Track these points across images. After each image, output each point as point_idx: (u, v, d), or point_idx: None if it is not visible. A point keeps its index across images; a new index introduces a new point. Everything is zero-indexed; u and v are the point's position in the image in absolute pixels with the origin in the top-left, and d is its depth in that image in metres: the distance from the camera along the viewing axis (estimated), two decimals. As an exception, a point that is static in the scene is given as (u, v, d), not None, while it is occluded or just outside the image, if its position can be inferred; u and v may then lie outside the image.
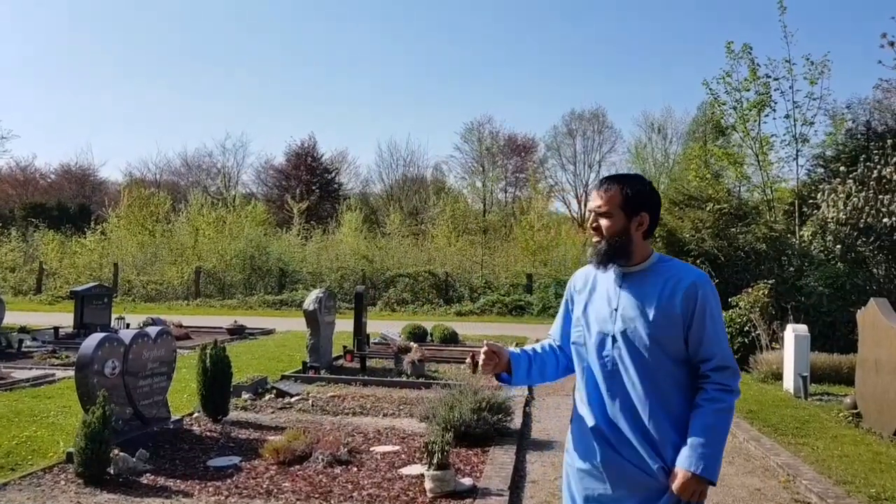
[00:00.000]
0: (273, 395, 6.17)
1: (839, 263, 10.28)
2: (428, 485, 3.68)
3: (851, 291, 9.58)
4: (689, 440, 1.70)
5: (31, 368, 7.67)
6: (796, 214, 11.97)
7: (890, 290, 9.58)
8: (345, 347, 8.58)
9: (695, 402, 1.74)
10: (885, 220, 9.95)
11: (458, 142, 39.15)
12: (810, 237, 11.21)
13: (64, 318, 12.06)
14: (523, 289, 19.79)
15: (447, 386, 5.90)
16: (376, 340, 10.12)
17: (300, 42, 58.70)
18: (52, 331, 10.38)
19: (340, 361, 8.21)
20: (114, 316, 11.49)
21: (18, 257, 22.90)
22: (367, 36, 56.95)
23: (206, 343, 5.39)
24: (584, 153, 38.44)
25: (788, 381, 7.23)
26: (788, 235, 11.81)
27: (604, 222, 1.80)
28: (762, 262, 11.17)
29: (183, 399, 5.99)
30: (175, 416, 5.07)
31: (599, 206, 1.82)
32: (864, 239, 10.43)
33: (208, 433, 4.88)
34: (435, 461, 3.67)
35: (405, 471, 4.07)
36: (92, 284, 12.01)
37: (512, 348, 1.97)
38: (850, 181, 10.56)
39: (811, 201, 11.59)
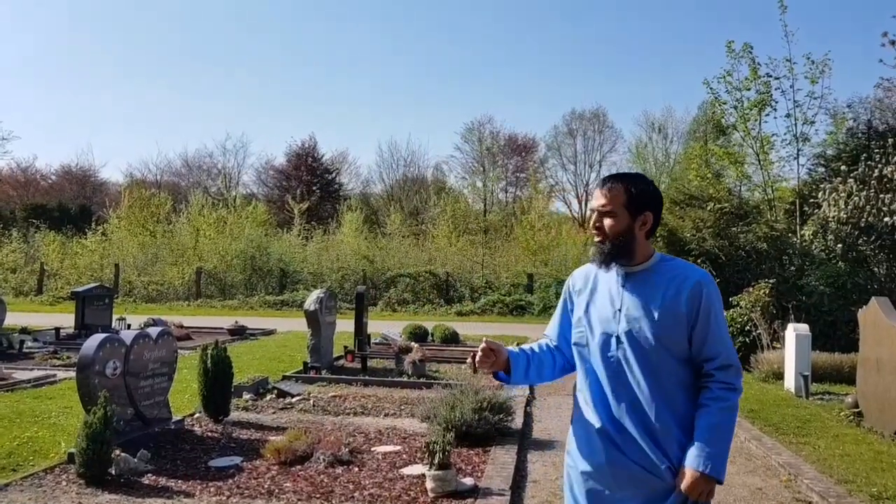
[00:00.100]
0: (274, 396, 6.18)
1: (840, 262, 10.28)
2: (429, 485, 3.68)
3: (852, 290, 9.57)
4: (696, 439, 1.69)
5: (32, 369, 7.67)
6: (797, 214, 11.97)
7: (891, 288, 9.57)
8: (346, 348, 8.58)
9: (699, 402, 1.74)
10: (886, 219, 9.95)
11: (459, 142, 39.17)
12: (811, 236, 11.21)
13: (65, 319, 12.08)
14: (524, 289, 19.79)
15: (448, 386, 5.90)
16: (377, 341, 10.12)
17: (300, 42, 58.79)
18: (54, 331, 10.39)
19: (341, 362, 8.21)
20: (115, 317, 11.50)
21: (19, 258, 22.91)
22: (367, 36, 57.01)
23: (207, 343, 5.39)
24: (584, 153, 38.46)
25: (789, 381, 7.22)
26: (789, 235, 11.80)
27: (607, 221, 1.79)
28: (763, 262, 11.16)
29: (184, 399, 5.99)
30: (176, 417, 5.08)
31: (604, 205, 1.79)
32: (865, 238, 10.42)
33: (209, 433, 4.88)
34: (436, 461, 3.67)
35: (406, 471, 4.07)
36: (93, 285, 12.02)
37: (511, 347, 1.94)
38: (851, 180, 10.55)
39: (812, 200, 11.58)
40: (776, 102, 12.38)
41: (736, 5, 50.14)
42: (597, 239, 1.82)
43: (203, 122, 57.57)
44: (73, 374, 5.38)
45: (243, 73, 56.46)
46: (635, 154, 35.62)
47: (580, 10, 55.60)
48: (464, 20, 56.69)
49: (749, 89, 12.53)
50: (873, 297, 5.91)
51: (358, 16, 56.55)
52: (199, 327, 12.32)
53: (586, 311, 1.84)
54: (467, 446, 4.57)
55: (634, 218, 1.78)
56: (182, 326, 11.58)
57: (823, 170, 12.95)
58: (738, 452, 4.88)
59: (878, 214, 10.09)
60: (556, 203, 35.31)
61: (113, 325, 11.07)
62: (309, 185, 35.20)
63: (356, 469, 4.09)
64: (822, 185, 11.40)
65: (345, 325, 9.44)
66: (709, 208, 12.26)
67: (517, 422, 5.24)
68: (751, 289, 9.29)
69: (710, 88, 12.90)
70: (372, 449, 4.54)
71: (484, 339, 1.92)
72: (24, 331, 10.44)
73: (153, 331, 4.97)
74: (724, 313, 8.96)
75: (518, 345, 2.06)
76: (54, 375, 7.26)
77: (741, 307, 9.13)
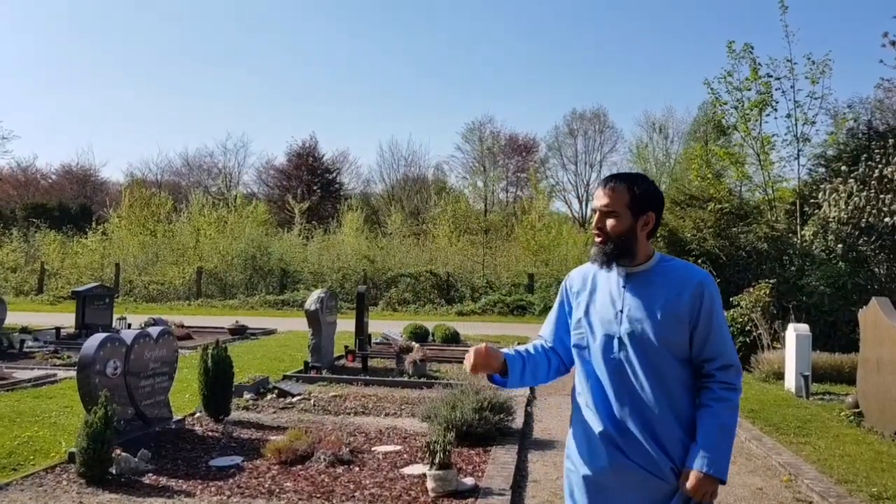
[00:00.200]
0: (275, 395, 6.18)
1: (840, 263, 10.27)
2: (430, 484, 3.68)
3: (853, 291, 9.57)
4: (700, 440, 1.69)
5: (32, 369, 7.68)
6: (798, 214, 11.96)
7: (891, 289, 9.57)
8: (346, 347, 8.58)
9: (700, 402, 1.73)
10: (886, 219, 9.95)
11: (460, 141, 39.17)
12: (812, 237, 11.20)
13: (65, 319, 12.08)
14: (525, 288, 19.79)
15: (449, 386, 5.91)
16: (378, 340, 10.13)
17: (301, 42, 58.79)
18: (54, 331, 10.40)
19: (342, 361, 8.22)
20: (115, 316, 11.51)
21: (20, 258, 22.93)
22: (367, 35, 57.02)
23: (208, 343, 5.39)
24: (585, 153, 38.46)
25: (790, 381, 7.22)
26: (790, 235, 11.80)
27: (610, 222, 1.77)
28: (763, 262, 11.16)
29: (185, 399, 5.99)
30: (177, 416, 5.08)
31: (606, 205, 1.77)
32: (865, 238, 10.42)
33: (210, 433, 4.88)
34: (437, 461, 3.67)
35: (407, 470, 4.08)
36: (93, 285, 12.03)
37: (506, 350, 1.91)
38: (852, 180, 10.55)
39: (812, 201, 11.58)
40: (777, 103, 12.38)
41: (736, 5, 50.14)
42: (598, 239, 1.79)
43: (204, 121, 57.65)
44: (73, 373, 5.38)
45: (244, 73, 56.52)
46: (636, 154, 35.63)
47: (581, 10, 55.61)
48: (464, 20, 56.72)
49: (749, 89, 12.54)
50: (873, 298, 5.90)
51: (358, 15, 56.59)
52: (199, 327, 12.32)
53: (586, 312, 1.82)
54: (468, 446, 4.57)
55: (637, 218, 1.77)
56: (183, 326, 11.58)
57: (824, 170, 12.94)
58: (739, 452, 4.88)
59: (879, 215, 10.08)
60: (556, 203, 35.37)
61: (113, 324, 11.07)
62: (309, 185, 35.22)
63: (357, 469, 4.09)
64: (822, 186, 11.40)
65: (345, 325, 9.44)
66: (709, 208, 12.26)
67: (518, 421, 5.24)
68: (751, 289, 9.29)
69: (711, 89, 12.91)
70: (373, 449, 4.54)
71: (486, 344, 1.89)
72: (24, 330, 10.44)
73: (154, 330, 4.97)
74: (725, 313, 8.93)
75: (519, 344, 2.04)
76: (55, 375, 7.27)
77: (742, 307, 9.13)
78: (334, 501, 3.57)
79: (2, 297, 11.16)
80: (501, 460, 4.30)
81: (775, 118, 12.72)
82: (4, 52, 54.49)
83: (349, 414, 5.63)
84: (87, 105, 56.02)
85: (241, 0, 56.73)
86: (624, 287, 1.78)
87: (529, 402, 6.35)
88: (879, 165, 10.27)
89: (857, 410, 5.85)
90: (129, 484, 3.76)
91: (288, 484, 3.81)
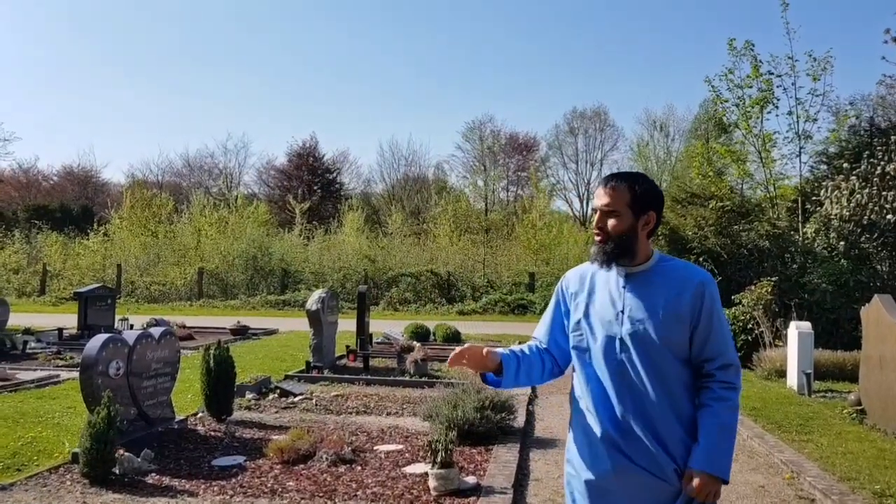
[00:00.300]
0: (277, 395, 6.19)
1: (843, 260, 10.26)
2: (432, 483, 3.68)
3: (855, 288, 9.56)
4: (701, 440, 1.68)
5: (35, 370, 7.70)
6: (799, 211, 11.95)
7: (894, 286, 9.54)
8: (348, 347, 8.59)
9: (701, 402, 1.72)
10: (888, 216, 9.93)
11: (460, 141, 39.15)
12: (813, 234, 11.19)
13: (68, 320, 12.10)
14: (526, 287, 19.79)
15: (450, 385, 5.91)
16: (379, 340, 10.13)
17: (301, 42, 58.80)
18: (57, 332, 10.42)
19: (343, 361, 8.22)
20: (117, 317, 11.52)
21: (22, 259, 22.97)
22: (367, 35, 57.01)
23: (210, 343, 5.40)
24: (585, 151, 38.42)
25: (792, 379, 7.21)
26: (791, 232, 11.79)
27: (611, 221, 1.75)
28: (765, 260, 11.15)
29: (187, 399, 6.00)
30: (179, 416, 5.09)
31: (607, 205, 1.76)
32: (867, 235, 10.40)
33: (212, 433, 4.89)
34: (439, 460, 3.68)
35: (409, 469, 4.08)
36: (95, 286, 12.05)
37: (500, 349, 1.88)
38: (854, 178, 10.53)
39: (814, 198, 11.56)
40: (778, 100, 12.36)
41: (737, 5, 50.03)
42: (598, 238, 1.78)
43: (204, 122, 57.70)
44: (76, 374, 5.39)
45: (244, 73, 56.56)
46: (637, 152, 35.58)
47: (581, 9, 55.56)
48: (464, 19, 56.68)
49: (751, 87, 12.52)
50: (876, 295, 5.90)
51: (358, 16, 56.59)
52: (201, 327, 12.34)
53: (586, 314, 1.80)
54: (470, 445, 4.57)
55: (638, 218, 1.75)
56: (184, 326, 11.60)
57: (826, 167, 12.92)
58: (741, 450, 4.88)
59: (881, 212, 10.07)
60: (557, 202, 35.34)
61: (116, 325, 11.09)
62: (310, 185, 35.24)
63: (359, 468, 4.10)
64: (824, 183, 11.37)
65: (347, 325, 9.45)
66: (711, 206, 12.24)
67: (519, 420, 5.25)
68: (753, 287, 9.28)
69: (712, 86, 12.89)
70: (374, 448, 4.54)
71: (486, 348, 1.84)
72: (27, 331, 10.47)
73: (156, 331, 4.98)
74: (727, 311, 8.86)
75: (520, 343, 2.02)
76: (58, 376, 7.28)
77: (743, 305, 9.12)
78: (337, 500, 3.58)
79: (4, 298, 11.19)
80: (503, 459, 4.31)
81: (777, 115, 12.69)
82: (5, 52, 54.63)
83: (351, 413, 5.63)
84: (88, 106, 56.15)
85: (241, 0, 56.79)
86: (624, 287, 1.76)
87: (531, 401, 6.35)
88: (882, 162, 10.25)
89: (859, 408, 5.85)
90: (132, 484, 3.77)
91: (290, 483, 3.82)
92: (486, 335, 11.79)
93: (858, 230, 10.42)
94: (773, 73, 12.26)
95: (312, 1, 57.89)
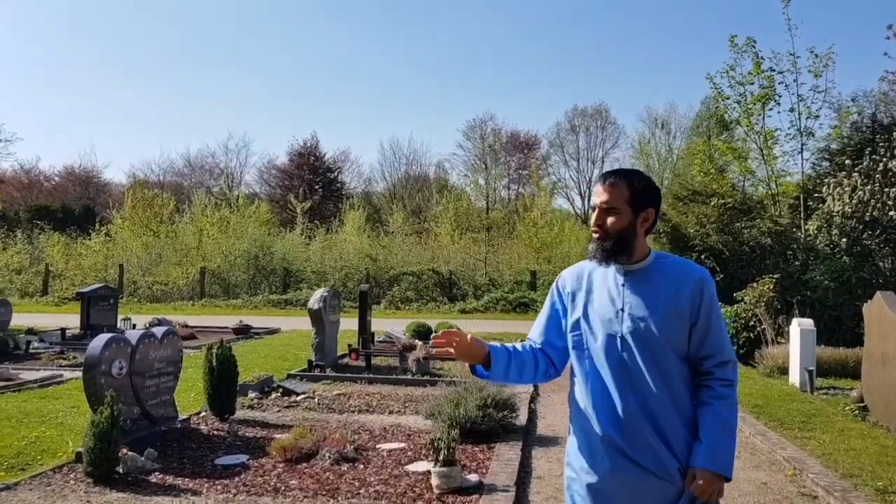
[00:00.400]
0: (279, 394, 6.20)
1: (845, 257, 10.24)
2: (434, 481, 3.69)
3: (857, 285, 9.55)
4: (703, 438, 1.67)
5: (38, 369, 7.72)
6: (801, 208, 11.92)
7: (896, 283, 9.53)
8: (350, 346, 8.61)
9: (701, 400, 1.71)
10: (891, 213, 9.92)
11: (461, 139, 39.19)
12: (816, 231, 11.17)
13: (70, 320, 12.13)
14: (527, 286, 19.79)
15: (452, 383, 5.92)
16: (381, 339, 10.14)
17: (301, 42, 58.79)
18: (59, 332, 10.45)
19: (346, 360, 8.24)
20: (120, 317, 11.56)
21: (24, 259, 23.03)
22: (367, 35, 56.96)
23: (212, 343, 5.41)
24: (587, 149, 38.41)
25: (794, 376, 7.21)
26: (794, 230, 11.77)
27: (610, 219, 1.74)
28: (767, 257, 11.14)
29: (190, 398, 6.02)
30: (182, 416, 5.11)
31: (606, 202, 1.74)
32: (869, 232, 10.39)
33: (215, 432, 4.90)
34: (441, 458, 3.68)
35: (411, 467, 4.09)
36: (98, 286, 12.08)
37: (492, 343, 1.85)
38: (856, 174, 10.51)
39: (816, 195, 11.54)
40: (780, 97, 12.33)
41: (737, 5, 49.86)
42: (596, 236, 1.76)
43: (205, 122, 57.75)
44: (79, 374, 5.42)
45: (245, 73, 56.58)
46: (638, 150, 35.53)
47: (581, 9, 55.45)
48: (465, 18, 56.61)
49: (752, 84, 12.48)
50: (878, 292, 5.89)
51: (358, 15, 56.54)
52: (203, 327, 12.36)
53: (584, 312, 1.77)
54: (472, 443, 4.58)
55: (637, 214, 1.74)
56: (187, 326, 11.63)
57: (828, 164, 12.89)
58: (743, 447, 4.88)
59: (883, 208, 10.05)
60: (558, 200, 35.32)
61: (118, 325, 11.12)
62: (311, 184, 35.25)
63: (361, 466, 4.11)
64: (826, 180, 11.35)
65: (349, 324, 9.47)
66: (712, 204, 12.23)
67: (521, 418, 5.25)
68: (755, 284, 9.27)
69: (713, 83, 12.86)
70: (377, 446, 4.55)
71: (469, 334, 1.82)
72: (30, 331, 10.50)
73: (158, 330, 4.99)
74: (729, 308, 8.84)
75: (521, 342, 2.01)
76: (61, 375, 7.30)
77: (745, 302, 9.11)
78: (339, 499, 3.59)
79: (7, 298, 11.22)
80: (505, 457, 4.31)
81: (778, 112, 12.66)
82: (5, 53, 54.70)
83: (353, 412, 5.64)
84: (89, 106, 56.23)
85: (242, 0, 56.76)
86: (623, 285, 1.75)
87: (533, 399, 6.35)
88: (884, 159, 10.23)
89: (861, 405, 5.84)
90: (135, 483, 3.79)
91: (293, 482, 3.83)
92: (488, 333, 11.80)
93: (861, 227, 10.40)
94: (774, 70, 12.23)
95: (313, 1, 57.89)
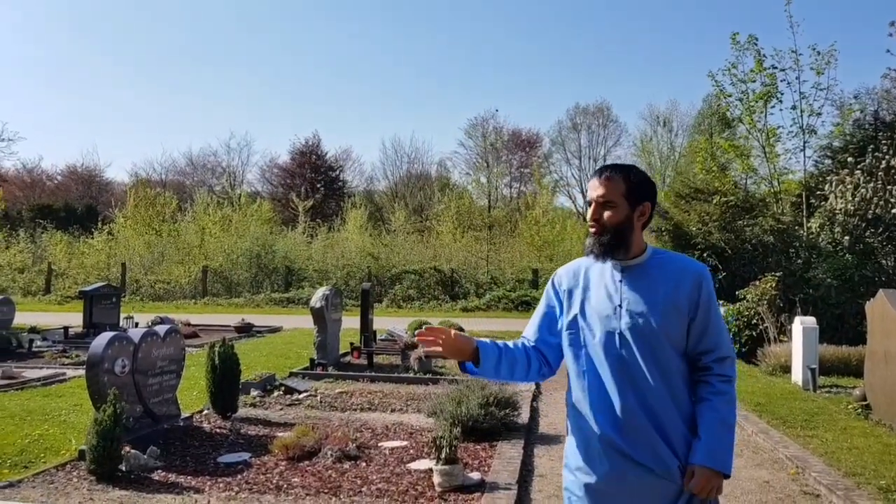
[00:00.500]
0: (281, 392, 6.21)
1: (847, 255, 10.22)
2: (436, 479, 3.69)
3: (860, 283, 9.53)
4: (702, 435, 1.65)
5: (41, 368, 7.74)
6: (804, 206, 11.90)
7: (899, 281, 9.51)
8: (352, 344, 8.62)
9: (700, 396, 1.70)
10: (893, 210, 9.90)
11: (463, 137, 39.13)
12: (818, 229, 11.15)
13: (73, 318, 12.17)
14: (529, 284, 19.79)
15: (454, 381, 5.92)
16: (383, 337, 10.15)
17: (303, 41, 58.77)
18: (62, 330, 10.48)
19: (348, 358, 8.25)
20: (122, 315, 11.58)
21: (27, 258, 23.09)
22: (370, 33, 56.92)
23: (215, 341, 5.42)
24: (588, 147, 38.36)
25: (797, 374, 7.20)
26: (796, 227, 11.75)
27: (607, 213, 1.72)
28: (769, 255, 11.12)
29: (192, 396, 6.03)
30: (185, 414, 5.12)
31: (603, 195, 1.72)
32: (872, 230, 10.36)
33: (218, 430, 4.91)
34: (443, 456, 3.69)
35: (414, 465, 4.09)
36: (100, 284, 12.10)
37: (482, 339, 1.82)
38: (859, 172, 10.49)
39: (819, 193, 11.51)
40: (782, 94, 12.31)
41: (739, 5, 49.67)
42: (593, 231, 1.74)
43: (207, 120, 57.75)
44: (82, 372, 5.43)
45: (246, 72, 56.59)
46: (640, 148, 35.49)
47: (583, 7, 55.32)
48: (467, 17, 56.53)
49: (754, 81, 12.45)
50: (881, 290, 5.87)
51: (358, 15, 56.49)
52: (206, 325, 12.38)
53: (582, 310, 1.75)
54: (474, 441, 4.58)
55: (633, 208, 1.72)
56: (189, 324, 11.65)
57: (830, 162, 12.86)
58: (746, 445, 4.87)
59: (886, 206, 10.03)
60: (560, 198, 35.28)
61: (121, 323, 11.15)
62: (313, 183, 35.27)
63: (364, 464, 4.12)
64: (828, 178, 11.33)
65: (350, 322, 9.48)
66: (714, 202, 12.21)
67: (523, 417, 5.25)
68: (757, 282, 9.26)
69: (715, 81, 12.83)
70: (379, 444, 4.56)
71: (454, 331, 1.79)
72: (33, 330, 10.53)
73: (161, 329, 5.01)
74: (732, 307, 8.80)
75: (522, 337, 1.94)
76: (64, 374, 7.32)
77: (748, 300, 9.10)
78: (342, 496, 3.59)
79: (10, 297, 11.25)
80: (507, 455, 4.31)
81: (780, 110, 12.62)
82: (9, 53, 54.80)
83: (355, 410, 5.65)
84: (91, 105, 56.32)
85: (243, 0, 56.75)
86: (621, 281, 1.73)
87: (535, 398, 6.35)
88: (886, 156, 10.20)
89: (864, 403, 5.83)
90: (138, 480, 3.80)
91: (296, 479, 3.84)
92: (490, 332, 11.80)
93: (863, 225, 10.38)
94: (776, 68, 12.20)
95: (314, 0, 57.85)
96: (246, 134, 67.87)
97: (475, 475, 3.85)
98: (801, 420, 5.52)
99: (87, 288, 11.49)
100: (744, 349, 8.81)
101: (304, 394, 6.16)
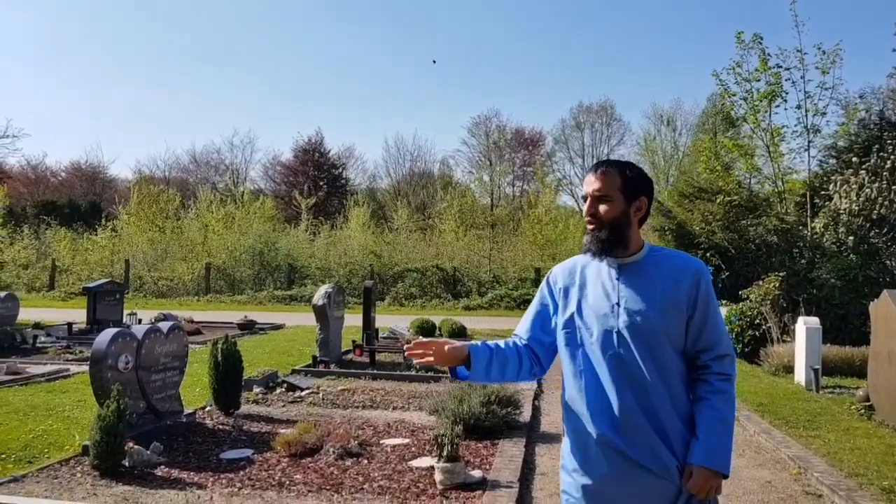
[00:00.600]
0: (284, 389, 6.23)
1: (851, 255, 10.18)
2: (438, 477, 3.70)
3: (864, 283, 9.49)
4: (700, 435, 1.63)
5: (45, 364, 7.77)
6: (808, 206, 11.86)
7: (903, 281, 9.47)
8: (354, 342, 8.63)
9: (698, 395, 1.68)
10: (898, 210, 9.84)
11: (465, 136, 39.16)
12: (822, 229, 11.11)
13: (77, 315, 12.22)
14: (531, 283, 19.77)
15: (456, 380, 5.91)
16: (385, 335, 10.16)
17: (307, 38, 58.77)
18: (66, 327, 10.52)
19: (350, 356, 8.26)
20: (126, 312, 11.62)
21: (31, 255, 23.20)
22: (373, 31, 56.89)
23: (218, 338, 5.44)
24: (592, 146, 38.26)
25: (800, 374, 7.18)
26: (800, 227, 11.71)
27: (602, 207, 1.70)
28: (773, 255, 11.09)
29: (195, 393, 6.05)
30: (188, 410, 5.14)
31: (598, 190, 1.70)
32: (877, 230, 10.32)
33: (221, 426, 4.93)
34: (445, 453, 3.69)
35: (415, 463, 4.10)
36: (104, 281, 12.15)
37: (472, 342, 1.80)
38: (863, 172, 10.45)
39: (823, 193, 11.47)
40: (786, 94, 12.26)
41: (742, 4, 49.46)
42: (590, 227, 1.72)
43: (210, 118, 57.82)
44: (86, 368, 5.45)
45: (250, 71, 56.64)
46: (643, 147, 35.38)
47: (585, 6, 55.16)
48: (469, 15, 56.44)
49: (759, 80, 12.41)
50: (885, 290, 5.85)
51: (364, 10, 56.47)
52: (208, 322, 12.42)
53: (578, 308, 1.72)
54: (475, 439, 4.59)
55: (630, 203, 1.70)
56: (192, 321, 11.68)
57: (835, 161, 12.81)
58: (748, 445, 4.87)
59: (891, 206, 9.99)
60: (563, 197, 35.24)
61: (124, 320, 11.19)
62: (316, 181, 35.29)
63: (365, 461, 4.12)
64: (833, 177, 11.29)
65: (353, 320, 9.49)
66: (718, 201, 12.18)
67: (525, 415, 5.26)
68: (761, 282, 9.23)
69: (720, 80, 12.79)
70: (381, 441, 4.57)
71: (446, 345, 1.75)
72: (37, 326, 10.58)
73: (164, 325, 5.02)
74: (734, 307, 8.75)
75: (522, 335, 1.90)
76: (67, 370, 7.35)
77: (751, 300, 9.07)
78: (343, 493, 3.60)
79: (14, 293, 11.30)
80: (509, 453, 4.32)
81: (785, 109, 12.58)
82: (13, 50, 54.96)
83: (357, 407, 5.66)
84: (95, 102, 56.43)
85: (246, 0, 56.77)
86: (618, 279, 1.70)
87: (537, 396, 6.35)
88: (891, 156, 10.16)
89: (867, 404, 5.81)
90: (141, 476, 3.81)
91: (298, 476, 3.85)
92: (492, 330, 11.81)
93: (868, 225, 10.34)
94: (781, 67, 12.16)
95: (317, 1, 57.83)
96: (249, 131, 67.98)
97: (477, 473, 3.86)
98: (804, 420, 5.50)
99: (91, 284, 11.53)
100: (747, 349, 8.79)
101: (307, 391, 6.17)
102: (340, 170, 38.02)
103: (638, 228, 1.74)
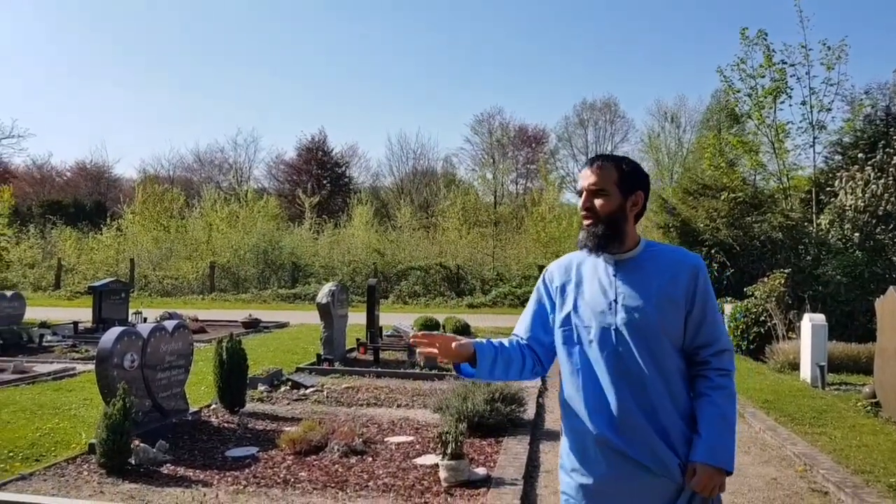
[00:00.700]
0: (288, 387, 6.24)
1: (857, 251, 10.13)
2: (442, 474, 3.70)
3: (870, 280, 9.45)
4: (702, 432, 1.60)
5: (52, 362, 7.82)
6: (813, 202, 11.80)
7: (910, 278, 9.42)
8: (358, 340, 8.65)
9: (698, 391, 1.65)
10: (904, 206, 9.78)
11: (469, 134, 39.12)
12: (828, 225, 11.05)
13: (83, 314, 12.28)
14: (535, 280, 19.75)
15: (460, 377, 5.91)
16: (389, 333, 10.18)
17: (309, 37, 58.79)
18: (72, 325, 10.58)
19: (354, 354, 8.27)
20: (131, 310, 11.68)
21: (37, 254, 23.33)
22: (376, 28, 56.85)
23: (222, 336, 5.47)
24: (595, 143, 38.13)
25: (805, 371, 7.15)
26: (805, 224, 11.66)
27: (598, 201, 1.68)
28: (778, 251, 11.05)
29: (200, 391, 6.07)
30: (193, 408, 5.16)
31: (594, 184, 1.68)
32: (882, 226, 10.26)
33: (226, 424, 4.95)
34: (449, 451, 3.69)
35: (420, 461, 4.10)
36: (109, 280, 12.21)
37: (477, 340, 1.79)
38: (869, 168, 10.39)
39: (828, 189, 11.41)
40: (791, 90, 12.20)
41: (745, 3, 49.15)
42: (587, 222, 1.69)
43: (214, 117, 57.97)
44: (91, 366, 5.48)
45: (253, 69, 56.70)
46: (647, 144, 35.24)
47: (587, 6, 54.94)
48: (472, 13, 56.32)
49: (763, 76, 12.35)
50: (891, 287, 5.81)
51: (367, 9, 56.42)
52: (213, 320, 12.46)
53: (575, 306, 1.70)
54: (480, 437, 4.59)
55: (626, 197, 1.68)
56: (197, 320, 11.73)
57: (840, 157, 12.73)
58: (753, 442, 4.85)
59: (897, 202, 9.91)
60: (566, 194, 35.13)
61: (129, 318, 11.24)
62: (319, 179, 35.34)
63: (370, 459, 4.13)
64: (838, 174, 11.23)
65: (357, 318, 9.50)
66: (723, 198, 12.13)
67: (529, 412, 5.25)
68: (766, 279, 9.20)
69: (724, 76, 12.74)
70: (385, 439, 4.57)
71: (455, 343, 1.75)
72: (43, 325, 10.64)
73: (169, 324, 5.04)
74: (740, 303, 8.73)
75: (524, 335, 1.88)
76: (74, 368, 7.39)
77: (756, 297, 9.04)
78: (348, 491, 3.61)
79: (20, 292, 11.37)
80: (513, 451, 4.32)
81: (790, 105, 12.55)
82: (18, 50, 55.18)
83: (362, 405, 5.67)
84: (100, 102, 56.64)
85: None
86: (615, 275, 1.68)
87: (541, 394, 6.35)
88: (898, 152, 10.08)
89: (874, 400, 5.79)
90: (147, 474, 3.83)
91: (303, 474, 3.86)
92: (496, 328, 11.81)
93: (873, 221, 10.28)
94: (786, 63, 12.10)
95: (320, 1, 57.81)
96: (252, 130, 68.12)
97: (481, 470, 3.86)
98: (810, 417, 5.48)
99: (97, 283, 11.59)
100: (752, 346, 8.77)
101: (311, 389, 6.19)
102: (344, 168, 38.06)
103: (634, 224, 1.72)
